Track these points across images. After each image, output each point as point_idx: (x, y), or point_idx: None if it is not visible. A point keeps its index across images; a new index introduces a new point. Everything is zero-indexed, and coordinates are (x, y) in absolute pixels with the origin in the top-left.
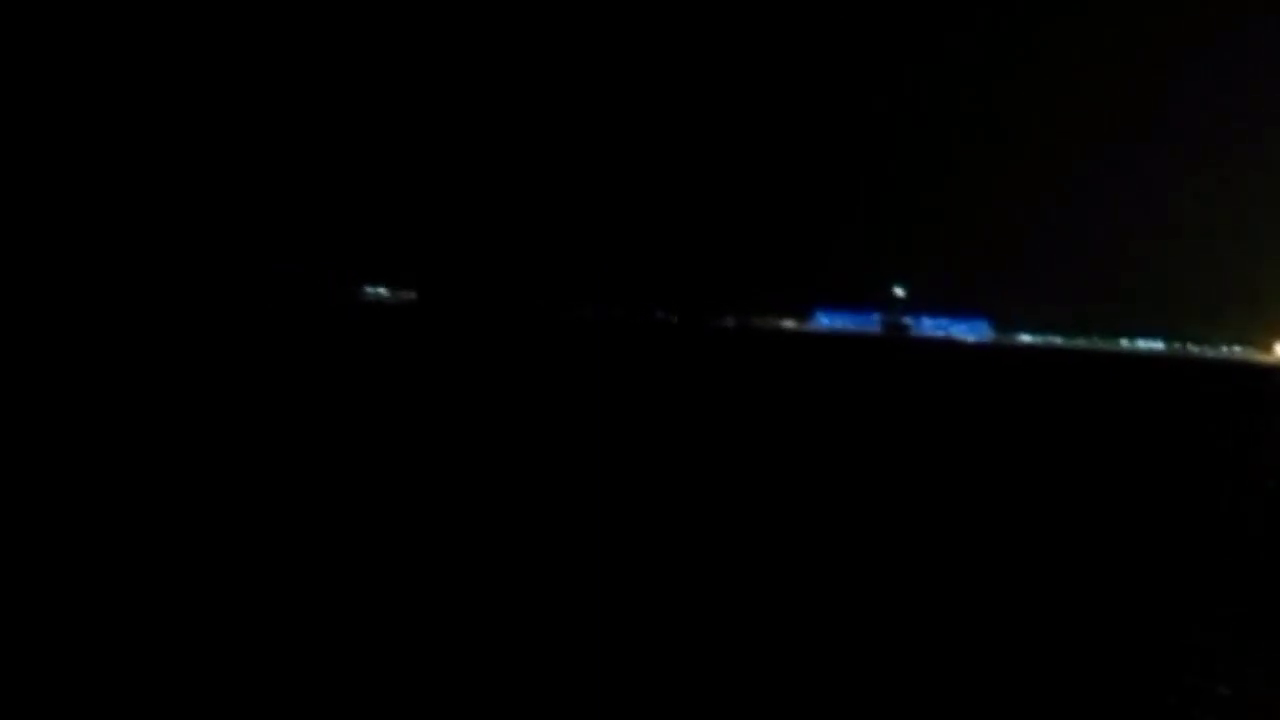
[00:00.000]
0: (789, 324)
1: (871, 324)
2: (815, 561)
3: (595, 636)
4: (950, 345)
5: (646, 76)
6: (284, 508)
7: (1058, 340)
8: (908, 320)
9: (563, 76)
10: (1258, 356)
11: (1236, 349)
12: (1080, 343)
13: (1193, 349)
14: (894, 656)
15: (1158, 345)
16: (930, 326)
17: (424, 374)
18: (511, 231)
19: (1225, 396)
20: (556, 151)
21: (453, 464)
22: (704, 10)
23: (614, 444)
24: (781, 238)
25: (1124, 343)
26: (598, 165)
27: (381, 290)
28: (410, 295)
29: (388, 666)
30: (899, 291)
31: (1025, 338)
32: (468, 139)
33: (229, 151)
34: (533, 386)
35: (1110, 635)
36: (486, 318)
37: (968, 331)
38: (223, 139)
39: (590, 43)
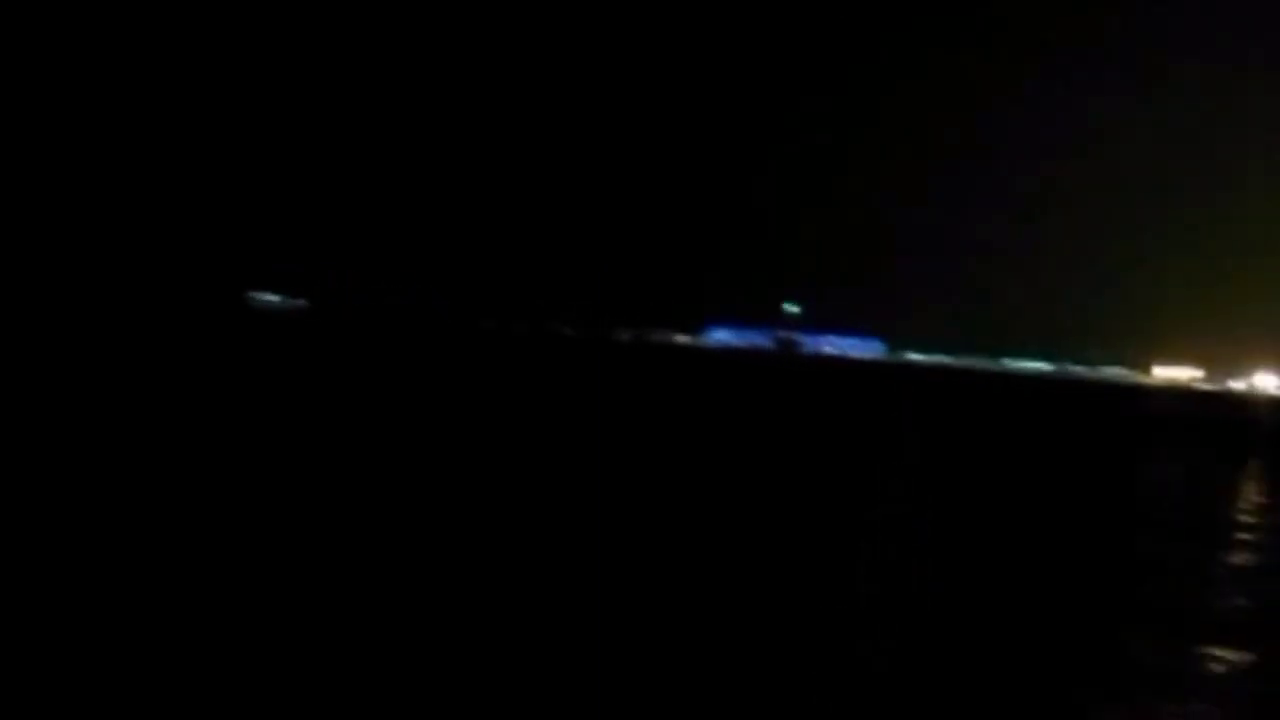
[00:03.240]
0: (682, 339)
1: (764, 340)
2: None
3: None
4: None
5: (548, 95)
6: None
7: (946, 359)
8: (800, 337)
9: (457, 89)
10: (1137, 377)
11: (1118, 370)
12: (969, 362)
13: (1075, 369)
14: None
15: (1043, 365)
16: (823, 344)
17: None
18: (411, 242)
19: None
20: (455, 163)
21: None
22: (590, 35)
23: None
24: (677, 254)
25: (1009, 362)
26: (497, 178)
27: (272, 297)
28: (301, 303)
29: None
30: (792, 309)
31: (915, 356)
32: (366, 147)
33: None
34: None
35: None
36: (378, 327)
37: (861, 349)
38: (116, 141)
39: (485, 62)
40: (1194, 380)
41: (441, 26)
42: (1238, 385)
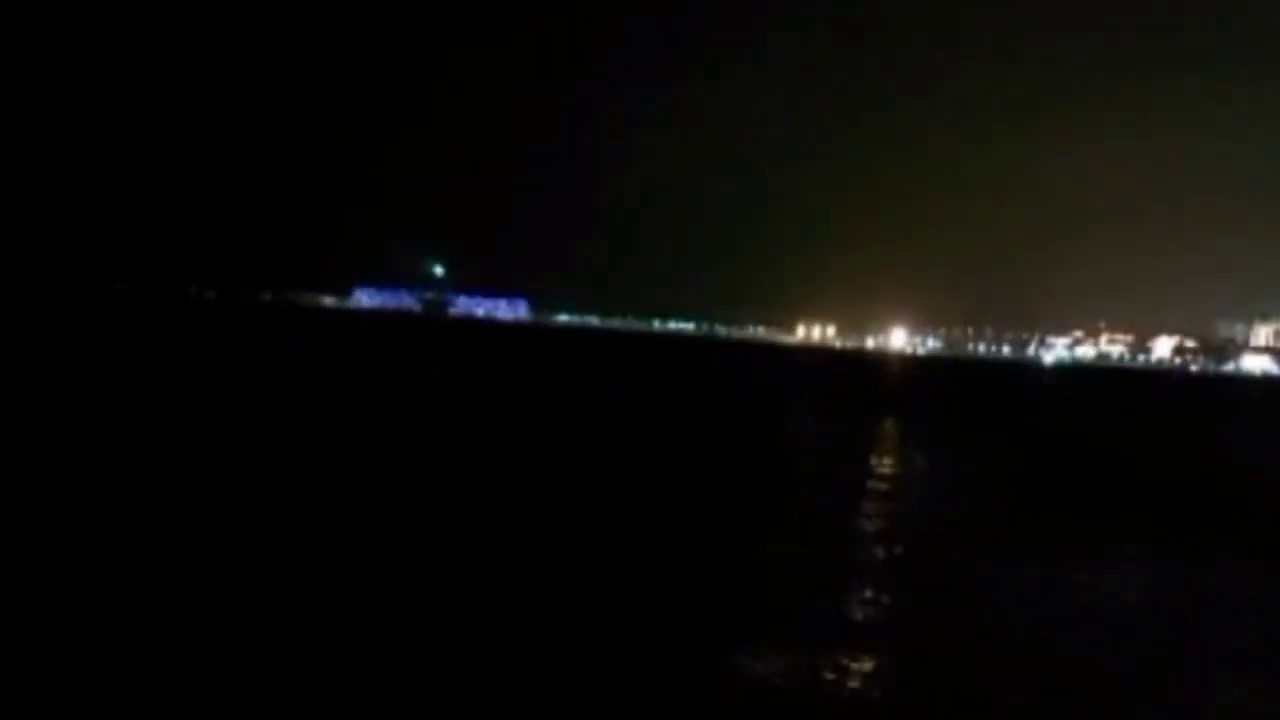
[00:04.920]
0: (329, 301)
1: (410, 302)
2: None
3: None
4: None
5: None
6: None
7: (594, 320)
8: (447, 298)
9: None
10: (781, 337)
11: (761, 329)
12: (616, 323)
13: (720, 330)
14: None
15: (688, 326)
16: (470, 305)
17: None
18: (55, 205)
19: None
20: (96, 130)
21: None
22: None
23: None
24: (320, 215)
25: (657, 324)
26: (138, 144)
27: None
28: None
29: None
30: (438, 270)
31: (563, 317)
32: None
33: None
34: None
35: None
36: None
37: (507, 310)
38: None
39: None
40: (829, 339)
41: None
42: (871, 342)
